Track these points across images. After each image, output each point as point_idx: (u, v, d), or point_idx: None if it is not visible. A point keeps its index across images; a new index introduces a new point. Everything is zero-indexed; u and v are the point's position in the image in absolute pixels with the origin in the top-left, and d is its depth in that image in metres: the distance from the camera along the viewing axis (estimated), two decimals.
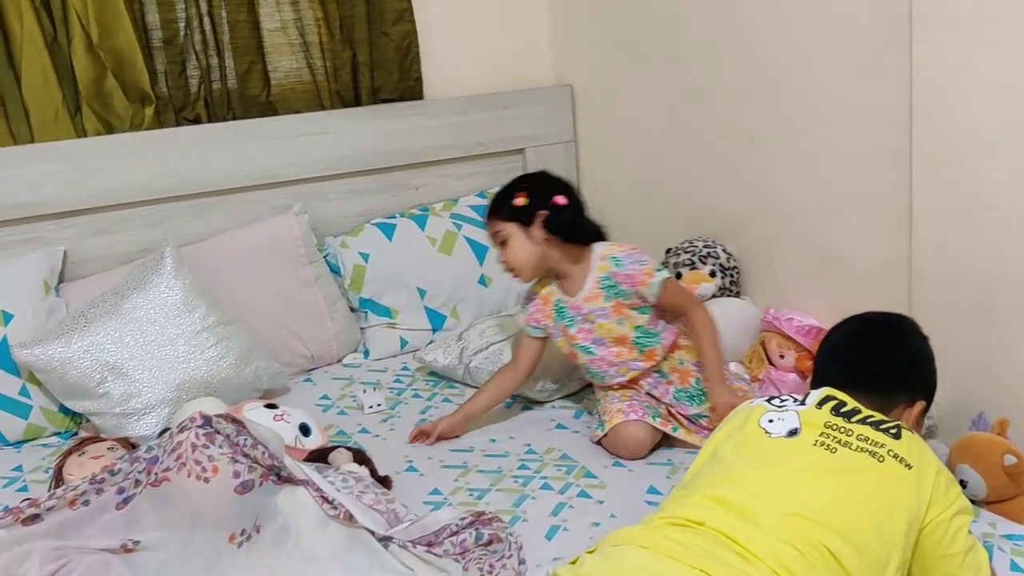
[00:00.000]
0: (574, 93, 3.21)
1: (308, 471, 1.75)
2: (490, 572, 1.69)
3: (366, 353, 2.87)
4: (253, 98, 2.87)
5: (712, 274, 2.62)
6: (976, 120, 1.93)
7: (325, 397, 2.61)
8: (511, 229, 2.23)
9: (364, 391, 2.56)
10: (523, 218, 2.22)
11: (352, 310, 2.91)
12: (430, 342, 2.86)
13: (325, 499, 1.70)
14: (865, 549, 1.42)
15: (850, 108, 2.25)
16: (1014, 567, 1.64)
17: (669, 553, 1.38)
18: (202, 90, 2.82)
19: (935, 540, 1.49)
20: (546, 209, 2.21)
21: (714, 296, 2.62)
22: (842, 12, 2.24)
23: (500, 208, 2.27)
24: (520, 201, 2.22)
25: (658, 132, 2.90)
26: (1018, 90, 1.85)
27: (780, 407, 1.62)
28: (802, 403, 1.61)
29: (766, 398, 1.68)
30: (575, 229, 2.23)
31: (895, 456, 1.51)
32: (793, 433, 1.56)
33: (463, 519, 1.78)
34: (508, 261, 2.25)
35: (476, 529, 1.76)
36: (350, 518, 1.68)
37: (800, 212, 2.46)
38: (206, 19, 2.78)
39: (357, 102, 3.01)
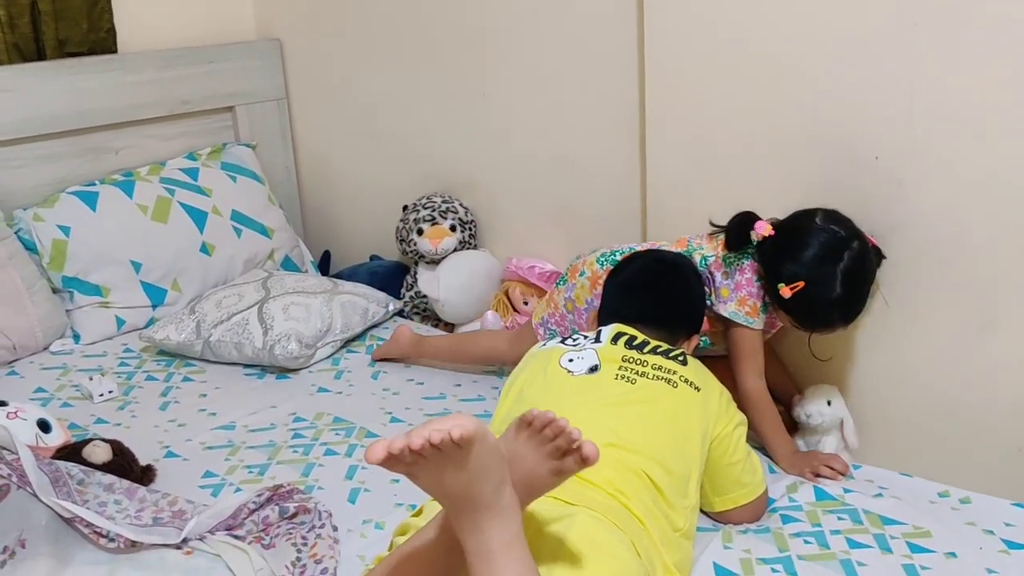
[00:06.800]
0: (283, 48, 3.08)
1: (73, 508, 1.55)
2: (304, 544, 1.62)
3: (76, 337, 2.59)
4: None
5: (453, 228, 2.65)
6: (705, 68, 2.08)
7: (41, 389, 2.32)
8: None
9: (91, 378, 2.30)
10: None
11: (55, 291, 2.60)
12: (152, 319, 2.65)
13: (99, 534, 1.53)
14: (672, 468, 1.54)
15: (580, 62, 2.35)
16: (771, 469, 1.87)
17: None
18: None
19: (721, 451, 1.66)
20: None
21: (456, 250, 2.66)
22: None
23: None
24: None
25: (380, 89, 2.86)
26: (738, 34, 2.01)
27: (575, 346, 1.70)
28: (597, 340, 1.70)
29: (559, 339, 1.75)
30: None
31: (686, 381, 1.65)
32: (594, 369, 1.65)
33: (260, 495, 1.68)
34: None
35: (277, 504, 1.67)
36: (132, 545, 1.53)
37: (534, 165, 2.54)
38: None
39: (40, 56, 2.66)
